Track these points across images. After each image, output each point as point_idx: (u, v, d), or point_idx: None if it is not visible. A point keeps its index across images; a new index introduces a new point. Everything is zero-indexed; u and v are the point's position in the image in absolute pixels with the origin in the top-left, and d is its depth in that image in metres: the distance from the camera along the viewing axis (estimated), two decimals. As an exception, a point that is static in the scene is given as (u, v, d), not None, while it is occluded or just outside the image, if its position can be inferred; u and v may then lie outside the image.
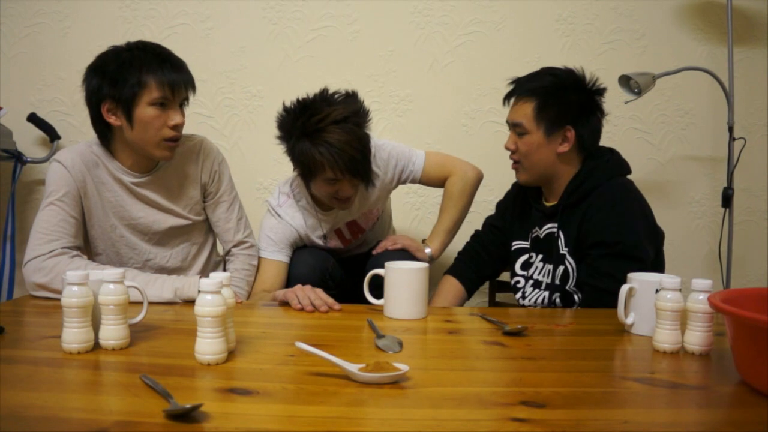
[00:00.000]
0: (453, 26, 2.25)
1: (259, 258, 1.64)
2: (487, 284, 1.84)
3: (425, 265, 1.25)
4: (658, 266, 1.45)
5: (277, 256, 1.64)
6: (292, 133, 1.50)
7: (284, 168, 2.27)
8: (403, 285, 1.21)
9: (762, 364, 0.78)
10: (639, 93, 2.00)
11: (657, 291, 1.02)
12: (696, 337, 0.97)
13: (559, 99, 1.46)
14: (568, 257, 1.45)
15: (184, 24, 2.21)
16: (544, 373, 0.89)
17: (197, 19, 2.21)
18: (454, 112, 2.26)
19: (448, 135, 2.26)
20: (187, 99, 1.43)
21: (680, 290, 1.01)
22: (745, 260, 2.31)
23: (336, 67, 2.23)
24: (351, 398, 0.77)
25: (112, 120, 1.36)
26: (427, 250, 1.65)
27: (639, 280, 1.10)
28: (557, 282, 1.46)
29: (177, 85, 1.36)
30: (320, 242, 1.72)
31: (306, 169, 1.51)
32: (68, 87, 2.20)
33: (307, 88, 2.23)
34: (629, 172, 1.52)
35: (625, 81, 2.01)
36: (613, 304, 1.12)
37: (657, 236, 1.48)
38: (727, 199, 2.10)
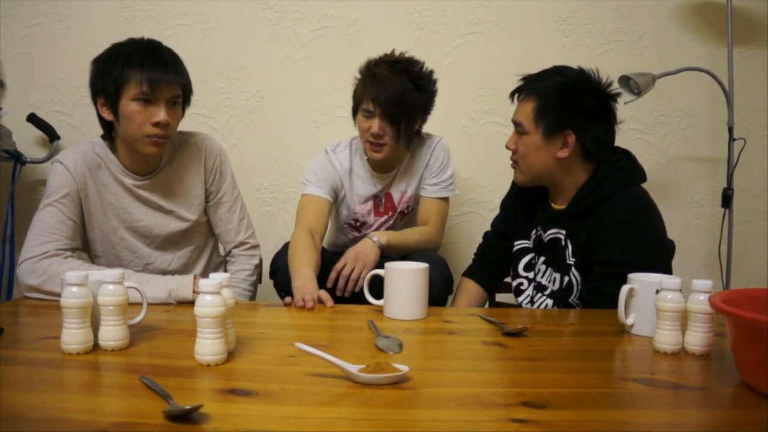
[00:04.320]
0: (453, 26, 2.25)
1: (302, 195, 1.70)
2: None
3: (425, 265, 1.25)
4: None
5: (319, 192, 1.68)
6: (359, 73, 1.68)
7: (284, 168, 2.28)
8: (402, 285, 1.21)
9: (762, 365, 0.78)
10: (639, 93, 2.00)
11: (657, 291, 1.02)
12: (696, 338, 0.97)
13: (562, 101, 1.39)
14: (573, 270, 1.40)
15: (184, 24, 2.21)
16: (545, 374, 0.89)
17: (197, 20, 2.21)
18: (454, 112, 2.26)
19: (448, 135, 2.25)
20: (180, 98, 1.40)
21: (680, 291, 1.01)
22: (745, 260, 2.31)
23: (336, 67, 2.23)
24: (351, 399, 0.77)
25: (106, 114, 1.37)
26: (375, 238, 1.59)
27: (639, 281, 1.10)
28: (562, 294, 1.42)
29: (157, 82, 1.32)
30: (354, 201, 1.76)
31: (354, 101, 1.68)
32: (68, 87, 2.20)
33: (307, 88, 2.26)
34: (644, 179, 1.45)
35: (625, 81, 2.01)
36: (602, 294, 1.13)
37: (667, 253, 1.43)
38: (726, 200, 2.10)
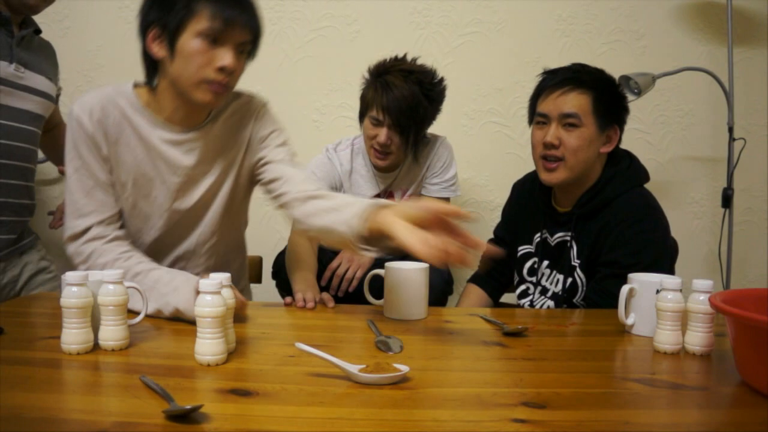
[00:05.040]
0: (453, 26, 2.25)
1: None
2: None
3: (425, 265, 1.25)
4: None
5: None
6: (369, 75, 1.67)
7: (284, 168, 2.28)
8: (403, 285, 1.21)
9: (763, 365, 0.78)
10: (639, 93, 2.00)
11: (657, 292, 1.02)
12: (697, 338, 0.97)
13: (614, 95, 1.42)
14: (578, 270, 1.40)
15: (183, 24, 2.21)
16: (545, 374, 0.89)
17: (197, 20, 2.21)
18: (454, 112, 2.26)
19: (448, 135, 2.26)
20: (248, 46, 1.20)
21: (681, 291, 1.01)
22: (745, 261, 2.31)
23: (336, 67, 2.23)
24: (351, 399, 0.77)
25: (155, 50, 1.19)
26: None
27: (639, 281, 1.10)
28: (565, 294, 1.42)
29: (232, 20, 1.14)
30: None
31: (362, 104, 1.67)
32: (68, 87, 2.20)
33: (307, 88, 2.26)
34: (647, 179, 1.46)
35: (625, 81, 2.01)
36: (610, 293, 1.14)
37: (671, 253, 1.43)
38: (727, 200, 2.10)
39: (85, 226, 1.21)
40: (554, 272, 1.47)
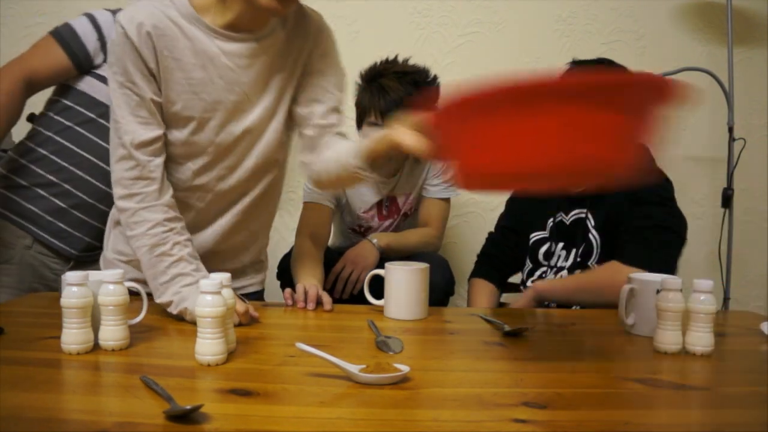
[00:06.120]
0: (453, 26, 2.25)
1: (303, 203, 1.66)
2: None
3: (425, 265, 1.25)
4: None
5: (320, 199, 1.66)
6: (362, 81, 1.63)
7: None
8: (403, 285, 1.21)
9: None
10: (639, 93, 2.00)
11: (658, 291, 1.02)
12: (697, 338, 0.97)
13: None
14: (593, 232, 1.45)
15: (183, 24, 2.21)
16: (545, 374, 0.89)
17: (197, 20, 2.21)
18: (454, 112, 2.26)
19: (448, 135, 2.27)
20: None
21: (681, 291, 1.01)
22: (745, 260, 2.31)
23: (336, 68, 2.22)
24: (351, 399, 0.77)
25: None
26: (374, 241, 1.63)
27: (640, 281, 1.10)
28: (578, 259, 1.46)
29: None
30: (359, 208, 1.75)
31: (358, 111, 1.64)
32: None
33: (307, 88, 2.25)
34: None
35: (625, 81, 2.02)
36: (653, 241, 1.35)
37: (683, 221, 1.51)
38: (726, 200, 2.10)
39: (135, 141, 1.11)
40: (571, 250, 1.51)
